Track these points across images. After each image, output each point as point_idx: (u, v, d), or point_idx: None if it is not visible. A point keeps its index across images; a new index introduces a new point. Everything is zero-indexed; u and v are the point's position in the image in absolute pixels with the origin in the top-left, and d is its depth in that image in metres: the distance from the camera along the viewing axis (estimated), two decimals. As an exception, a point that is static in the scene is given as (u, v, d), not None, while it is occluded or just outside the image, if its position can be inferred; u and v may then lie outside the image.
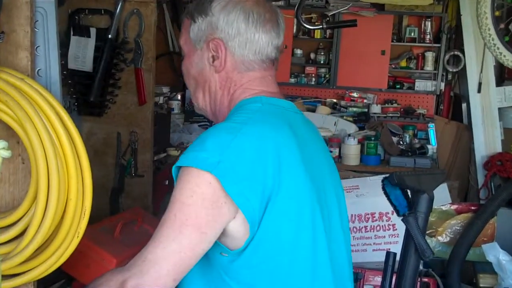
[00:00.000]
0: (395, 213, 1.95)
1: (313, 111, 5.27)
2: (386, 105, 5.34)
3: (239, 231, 1.30)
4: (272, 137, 1.34)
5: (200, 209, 1.26)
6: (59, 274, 1.98)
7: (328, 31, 5.37)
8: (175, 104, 5.05)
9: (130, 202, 2.81)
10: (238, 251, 1.32)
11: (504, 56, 3.26)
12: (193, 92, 1.54)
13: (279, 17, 1.52)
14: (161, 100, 4.72)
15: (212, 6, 1.45)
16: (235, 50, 1.44)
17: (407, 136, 4.98)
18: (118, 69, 2.75)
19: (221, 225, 1.28)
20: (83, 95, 2.88)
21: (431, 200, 2.28)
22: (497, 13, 3.22)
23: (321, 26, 3.42)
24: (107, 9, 2.72)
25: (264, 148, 1.30)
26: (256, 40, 1.44)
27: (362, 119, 5.13)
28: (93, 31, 2.54)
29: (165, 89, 4.94)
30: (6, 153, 1.27)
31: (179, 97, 5.16)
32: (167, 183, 4.02)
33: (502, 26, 3.28)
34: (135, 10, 2.68)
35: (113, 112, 2.74)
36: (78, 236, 1.50)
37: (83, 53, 2.52)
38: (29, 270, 1.49)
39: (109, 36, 2.54)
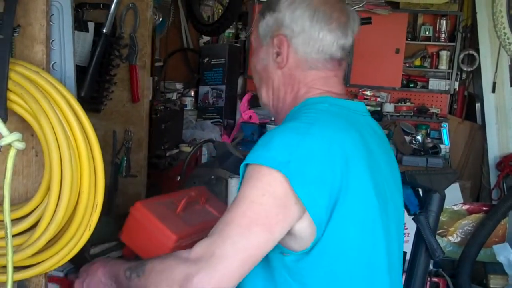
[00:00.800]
0: (406, 212, 1.94)
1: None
2: (400, 104, 5.31)
3: (306, 232, 1.30)
4: (340, 139, 1.33)
5: (271, 208, 1.25)
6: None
7: (343, 29, 5.35)
8: (188, 101, 5.06)
9: (125, 201, 2.76)
10: (304, 252, 1.31)
11: (513, 46, 3.24)
12: (258, 87, 1.57)
13: (349, 17, 1.51)
14: (174, 96, 4.74)
15: (280, 2, 1.47)
16: (298, 47, 1.45)
17: (420, 136, 4.96)
18: (114, 65, 2.68)
19: (289, 225, 1.27)
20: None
21: (442, 199, 2.28)
22: (512, 12, 3.21)
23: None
24: (106, 3, 2.61)
25: (332, 150, 1.29)
26: (320, 39, 1.44)
27: (375, 117, 5.08)
28: (91, 25, 2.49)
29: (179, 85, 4.96)
30: (20, 145, 1.29)
31: (192, 93, 5.17)
32: (179, 179, 4.04)
33: (516, 12, 3.26)
34: (131, 5, 2.60)
35: (111, 108, 2.66)
36: (90, 229, 1.51)
37: (82, 48, 2.49)
38: (40, 262, 1.50)
39: (104, 30, 2.46)
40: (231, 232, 1.24)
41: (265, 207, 1.25)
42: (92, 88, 2.47)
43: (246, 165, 1.31)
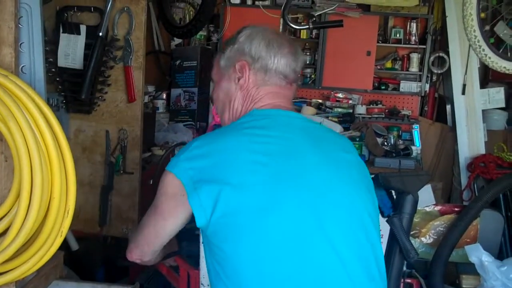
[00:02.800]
0: (380, 214, 1.94)
1: (299, 111, 5.26)
2: (371, 106, 5.34)
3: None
4: (224, 142, 1.54)
5: (162, 201, 1.54)
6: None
7: (314, 32, 5.37)
8: (160, 103, 5.03)
9: (120, 199, 2.84)
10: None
11: (489, 58, 3.27)
12: (221, 114, 1.75)
13: (297, 48, 1.75)
14: (146, 99, 4.70)
15: (238, 36, 1.70)
16: (257, 70, 1.67)
17: (392, 137, 5.00)
18: (107, 67, 2.76)
19: (181, 211, 1.53)
20: (73, 93, 2.87)
21: (415, 201, 2.29)
22: (482, 15, 3.24)
23: (307, 26, 3.41)
24: (97, 6, 2.75)
25: (212, 153, 1.51)
26: (276, 62, 1.67)
27: (347, 119, 5.13)
28: (83, 28, 2.54)
29: (150, 88, 4.92)
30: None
31: (164, 96, 5.13)
32: (151, 183, 4.00)
33: (487, 28, 3.30)
34: (125, 8, 2.73)
35: (102, 109, 2.77)
36: (61, 235, 1.48)
37: (73, 51, 2.52)
38: (10, 270, 1.47)
39: (100, 33, 2.53)
40: (145, 223, 1.60)
41: (159, 200, 1.55)
42: (88, 89, 2.53)
43: None
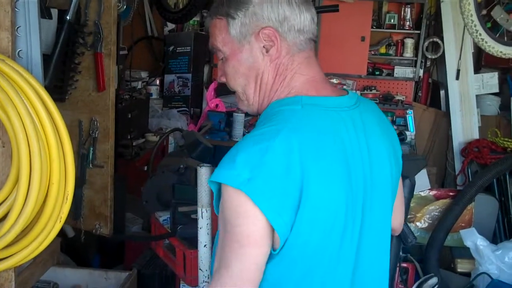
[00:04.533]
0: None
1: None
2: (365, 91, 5.34)
3: (276, 239, 1.34)
4: (306, 146, 1.33)
5: (248, 227, 1.30)
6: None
7: (309, 17, 5.34)
8: (154, 89, 5.00)
9: (93, 194, 2.69)
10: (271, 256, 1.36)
11: (486, 42, 3.27)
12: (242, 90, 1.50)
13: None
14: (139, 85, 4.67)
15: None
16: (286, 34, 1.42)
17: (386, 123, 5.00)
18: (78, 53, 2.60)
19: (270, 233, 1.32)
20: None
21: (413, 185, 2.30)
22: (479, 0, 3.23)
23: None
24: None
25: (293, 160, 1.30)
26: (302, 21, 1.43)
27: (341, 105, 5.13)
28: (54, 12, 2.40)
29: (144, 74, 4.88)
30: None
31: (157, 82, 5.10)
32: (146, 169, 3.99)
33: (484, 12, 3.29)
34: None
35: (77, 98, 2.56)
36: (60, 221, 1.47)
37: (45, 36, 2.38)
38: (10, 256, 1.46)
39: (67, 17, 2.38)
40: (230, 260, 1.32)
41: (243, 227, 1.30)
42: (56, 76, 2.39)
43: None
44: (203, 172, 2.00)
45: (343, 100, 1.47)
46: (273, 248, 1.35)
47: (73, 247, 3.20)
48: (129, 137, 3.93)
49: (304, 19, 1.43)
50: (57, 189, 1.43)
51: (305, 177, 1.31)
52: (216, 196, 1.39)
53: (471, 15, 3.14)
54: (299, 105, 1.40)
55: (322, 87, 1.47)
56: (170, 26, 5.36)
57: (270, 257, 1.35)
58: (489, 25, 3.31)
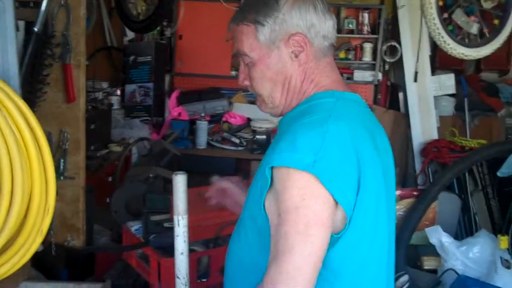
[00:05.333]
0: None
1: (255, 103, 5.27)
2: (326, 95, 5.40)
3: (337, 220, 1.38)
4: (353, 133, 1.41)
5: (315, 206, 1.32)
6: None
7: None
8: (115, 99, 4.96)
9: (63, 205, 2.66)
10: (335, 238, 1.39)
11: (448, 44, 3.37)
12: (268, 94, 1.55)
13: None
14: (100, 95, 4.63)
15: (280, 5, 1.48)
16: (313, 40, 1.49)
17: (348, 126, 5.06)
18: (46, 65, 2.58)
19: (333, 215, 1.35)
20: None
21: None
22: (440, 3, 3.31)
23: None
24: (36, 1, 2.46)
25: (349, 145, 1.38)
26: (327, 27, 1.50)
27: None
28: (21, 24, 2.38)
29: (104, 84, 4.84)
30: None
31: (118, 92, 5.07)
32: (110, 180, 3.96)
33: (445, 15, 3.39)
34: (62, 2, 2.52)
35: (45, 110, 2.55)
36: (41, 234, 1.46)
37: None
38: (-9, 270, 1.44)
39: (35, 29, 2.36)
40: (295, 244, 1.31)
41: (310, 208, 1.32)
42: (24, 89, 2.36)
43: (273, 167, 1.37)
44: (179, 179, 2.01)
45: (359, 97, 1.57)
46: (334, 233, 1.37)
47: (41, 261, 3.14)
48: (92, 148, 3.90)
49: (328, 26, 1.51)
50: (39, 201, 1.43)
51: (360, 160, 1.38)
52: (267, 185, 1.39)
53: (434, 19, 3.23)
54: (333, 98, 1.49)
55: (346, 86, 1.57)
56: (130, 36, 5.34)
57: (331, 242, 1.37)
58: (451, 27, 3.41)
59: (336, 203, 1.35)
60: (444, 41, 3.31)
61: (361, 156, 1.39)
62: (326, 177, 1.32)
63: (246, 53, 1.52)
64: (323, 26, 1.50)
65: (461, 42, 3.35)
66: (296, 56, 1.50)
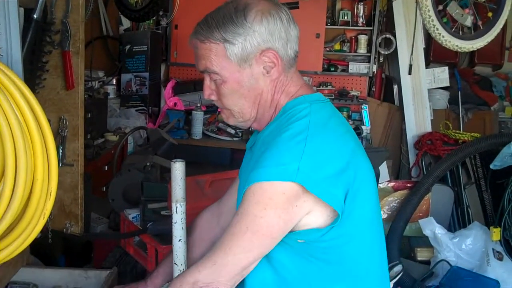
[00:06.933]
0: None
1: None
2: (321, 87, 5.43)
3: (317, 220, 1.42)
4: (334, 132, 1.46)
5: (273, 219, 1.37)
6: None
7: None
8: (111, 89, 4.96)
9: (62, 193, 2.67)
10: (322, 234, 1.43)
11: (443, 36, 3.39)
12: (239, 110, 1.54)
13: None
14: (96, 85, 4.64)
15: (248, 21, 1.44)
16: (282, 53, 1.48)
17: (342, 118, 5.09)
18: (45, 52, 2.60)
19: (291, 226, 1.40)
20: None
21: (377, 176, 2.38)
22: (435, -5, 3.34)
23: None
24: None
25: (332, 143, 1.43)
26: (293, 38, 1.50)
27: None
28: (20, 11, 2.38)
29: (100, 74, 4.85)
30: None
31: (114, 81, 5.07)
32: (106, 169, 3.97)
33: (440, 7, 3.41)
34: None
35: (44, 97, 2.56)
36: (44, 217, 1.48)
37: None
38: (-6, 253, 1.46)
39: (34, 16, 2.37)
40: (233, 246, 1.39)
41: (266, 218, 1.36)
42: (24, 76, 2.37)
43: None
44: (177, 167, 2.02)
45: (322, 95, 1.61)
46: (320, 227, 1.41)
47: (38, 247, 3.16)
48: (89, 136, 3.90)
49: (294, 36, 1.50)
50: (41, 185, 1.44)
51: (345, 156, 1.43)
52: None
53: (429, 10, 3.25)
54: (306, 102, 1.50)
55: (310, 88, 1.60)
56: (126, 25, 5.33)
57: (321, 235, 1.42)
58: (445, 20, 3.44)
59: (313, 204, 1.39)
60: (439, 33, 3.33)
61: (345, 153, 1.43)
62: (312, 183, 1.35)
63: (216, 71, 1.48)
64: (290, 38, 1.48)
65: (456, 34, 3.38)
66: (268, 72, 1.48)
